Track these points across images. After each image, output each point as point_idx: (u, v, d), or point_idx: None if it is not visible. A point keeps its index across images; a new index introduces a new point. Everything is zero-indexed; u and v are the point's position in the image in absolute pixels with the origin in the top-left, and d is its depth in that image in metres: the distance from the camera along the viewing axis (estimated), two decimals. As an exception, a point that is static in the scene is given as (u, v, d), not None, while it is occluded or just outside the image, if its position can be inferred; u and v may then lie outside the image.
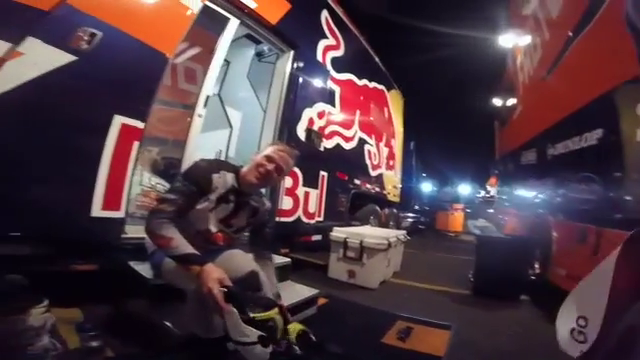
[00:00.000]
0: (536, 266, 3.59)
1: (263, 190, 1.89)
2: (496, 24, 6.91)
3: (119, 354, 1.53)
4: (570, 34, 3.29)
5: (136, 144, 1.87)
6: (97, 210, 1.70)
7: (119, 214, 1.82)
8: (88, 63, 1.65)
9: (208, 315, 1.34)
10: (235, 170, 1.58)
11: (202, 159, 1.58)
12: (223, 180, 1.52)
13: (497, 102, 7.81)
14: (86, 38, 1.64)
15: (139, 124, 1.87)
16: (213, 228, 1.54)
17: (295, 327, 1.30)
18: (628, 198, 2.26)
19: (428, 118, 17.54)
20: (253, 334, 1.15)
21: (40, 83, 1.50)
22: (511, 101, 6.41)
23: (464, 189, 17.85)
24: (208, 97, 2.51)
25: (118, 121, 1.77)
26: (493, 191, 9.29)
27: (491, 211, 8.31)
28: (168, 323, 1.55)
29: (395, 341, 2.07)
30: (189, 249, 1.29)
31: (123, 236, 1.88)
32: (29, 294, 1.38)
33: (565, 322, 1.06)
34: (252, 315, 1.19)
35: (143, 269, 1.72)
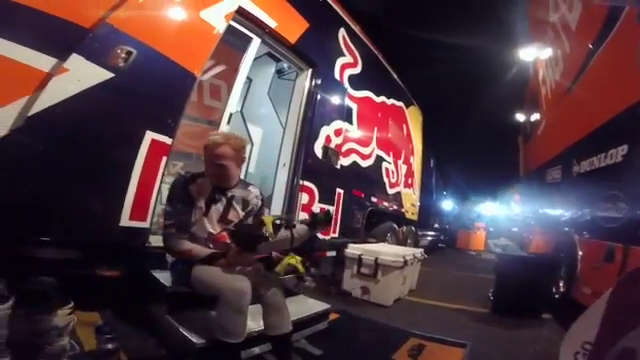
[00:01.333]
0: (561, 284, 3.44)
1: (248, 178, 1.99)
2: (516, 37, 6.83)
3: (133, 357, 1.59)
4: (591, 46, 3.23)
5: (164, 159, 1.95)
6: (125, 220, 1.79)
7: (145, 224, 1.90)
8: (124, 80, 1.73)
9: (235, 319, 1.39)
10: None
11: (176, 178, 1.73)
12: (202, 186, 1.64)
13: (520, 117, 7.65)
14: (123, 56, 1.73)
15: (167, 140, 1.95)
16: (213, 230, 1.64)
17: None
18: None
19: (450, 134, 17.24)
20: None
21: (82, 98, 1.59)
22: (534, 116, 6.27)
23: (487, 207, 17.21)
24: (231, 114, 2.62)
25: (149, 137, 1.86)
26: (517, 209, 8.97)
27: (515, 230, 8.01)
28: (182, 329, 1.60)
29: (406, 358, 2.03)
30: (208, 250, 1.52)
31: (147, 245, 1.96)
32: (58, 295, 1.47)
33: (570, 346, 1.10)
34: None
35: (163, 277, 1.81)
